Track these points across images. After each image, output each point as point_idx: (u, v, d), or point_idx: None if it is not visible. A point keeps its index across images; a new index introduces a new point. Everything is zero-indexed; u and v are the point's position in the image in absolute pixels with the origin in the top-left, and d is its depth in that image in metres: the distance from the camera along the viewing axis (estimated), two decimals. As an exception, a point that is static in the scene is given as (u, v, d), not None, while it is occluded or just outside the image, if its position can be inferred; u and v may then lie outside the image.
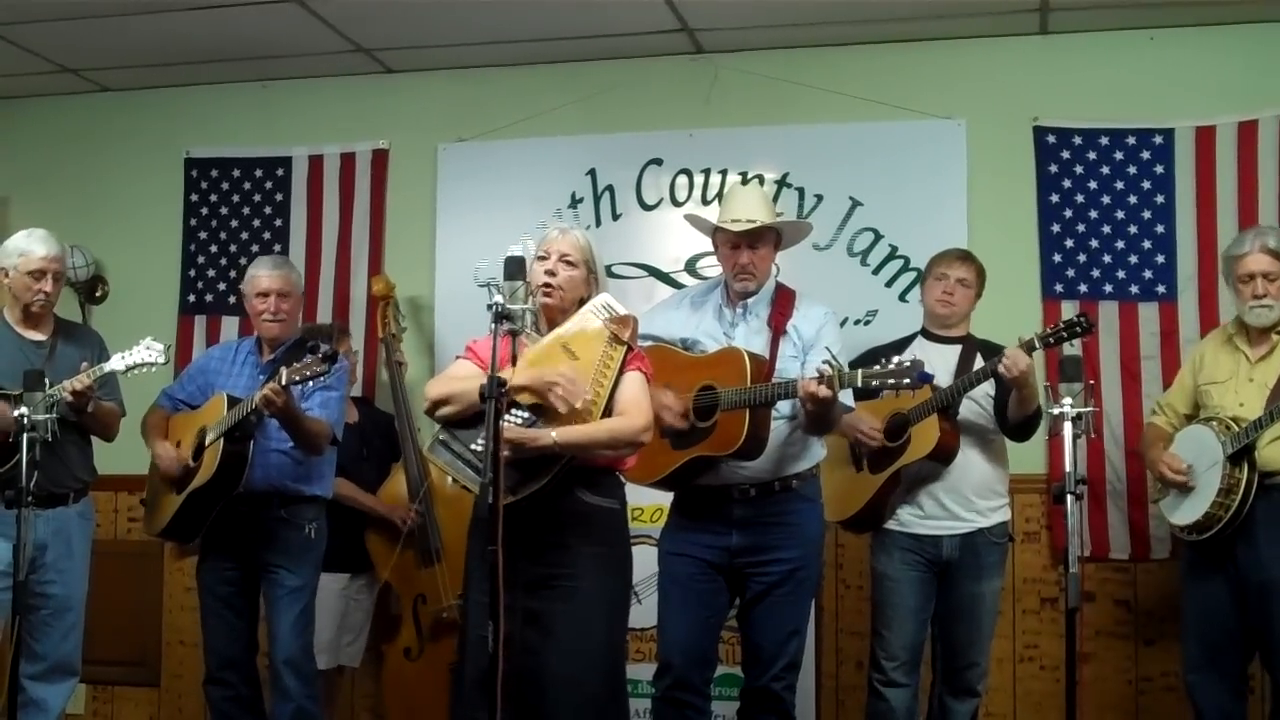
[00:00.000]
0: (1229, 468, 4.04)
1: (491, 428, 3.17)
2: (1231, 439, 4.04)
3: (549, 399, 3.42)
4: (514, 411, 3.44)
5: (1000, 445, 4.40)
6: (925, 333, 4.49)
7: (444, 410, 3.55)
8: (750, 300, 4.06)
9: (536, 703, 3.40)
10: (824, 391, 3.67)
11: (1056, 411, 3.55)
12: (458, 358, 3.74)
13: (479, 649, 3.32)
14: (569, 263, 3.64)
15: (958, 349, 4.38)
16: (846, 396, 3.88)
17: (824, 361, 3.73)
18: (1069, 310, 5.05)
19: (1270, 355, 4.16)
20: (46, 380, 4.06)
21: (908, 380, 3.66)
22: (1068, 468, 3.51)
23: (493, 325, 3.27)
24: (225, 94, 5.94)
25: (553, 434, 3.41)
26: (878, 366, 3.70)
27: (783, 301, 4.08)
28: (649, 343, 4.06)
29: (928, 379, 3.78)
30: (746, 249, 4.01)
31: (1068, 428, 3.52)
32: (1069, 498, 3.50)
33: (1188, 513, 4.16)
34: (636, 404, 3.55)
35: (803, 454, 4.03)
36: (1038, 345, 4.05)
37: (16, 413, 3.93)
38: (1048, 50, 5.27)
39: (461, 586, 3.78)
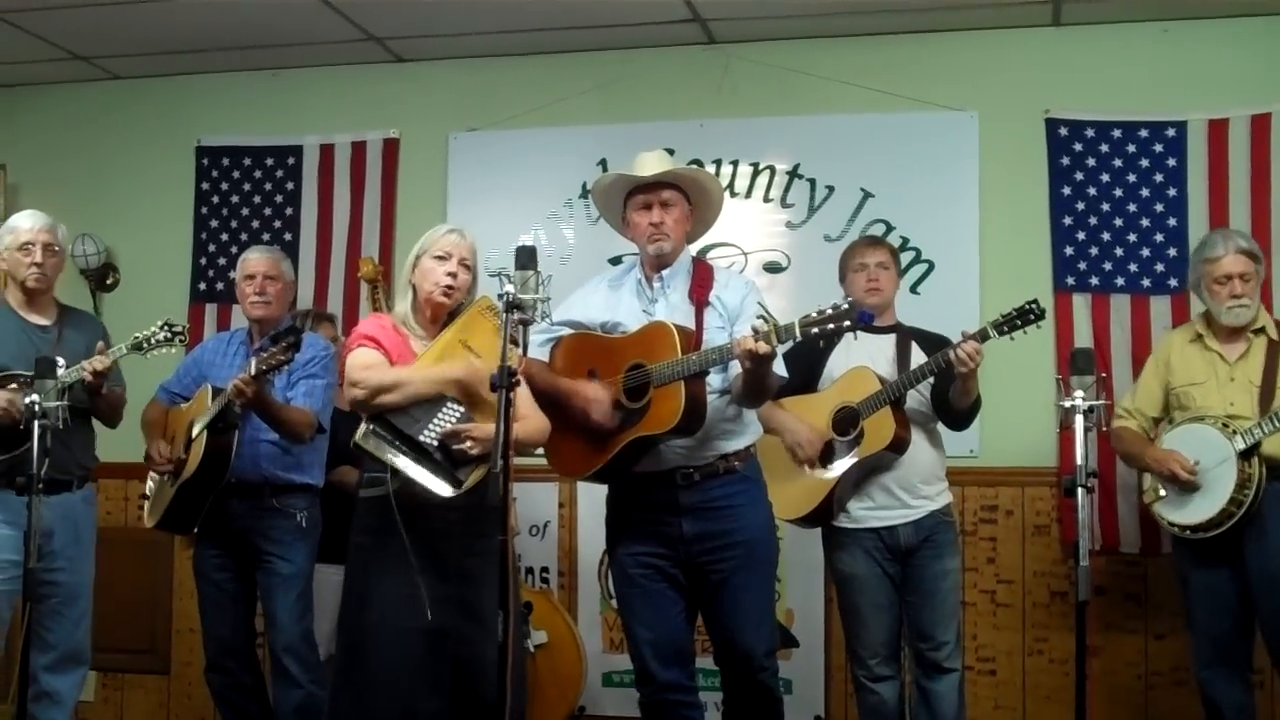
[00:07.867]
0: (1241, 463, 4.06)
1: (502, 417, 3.17)
2: (1243, 435, 4.06)
3: (482, 391, 3.44)
4: (450, 406, 3.54)
5: (938, 432, 4.36)
6: None
7: (386, 398, 3.57)
8: (666, 274, 3.92)
9: (482, 691, 3.36)
10: (764, 347, 3.49)
11: (1068, 404, 3.55)
12: (358, 346, 3.69)
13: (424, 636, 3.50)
14: (466, 267, 3.76)
15: (893, 338, 4.33)
16: (779, 367, 3.72)
17: (758, 317, 3.55)
18: (1081, 304, 5.06)
19: (1249, 354, 4.22)
20: (59, 367, 4.05)
21: (848, 322, 3.45)
22: (1079, 461, 3.52)
23: (504, 315, 3.26)
24: (236, 82, 5.94)
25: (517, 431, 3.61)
26: (814, 314, 3.48)
27: (702, 275, 3.94)
28: (568, 330, 3.99)
29: (869, 319, 3.64)
30: (659, 207, 3.89)
31: (1079, 421, 3.52)
32: (1080, 491, 3.51)
33: (1197, 511, 4.15)
34: (531, 403, 3.73)
35: (738, 431, 3.88)
36: (991, 333, 3.99)
37: (28, 400, 3.91)
38: (1060, 42, 5.26)
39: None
